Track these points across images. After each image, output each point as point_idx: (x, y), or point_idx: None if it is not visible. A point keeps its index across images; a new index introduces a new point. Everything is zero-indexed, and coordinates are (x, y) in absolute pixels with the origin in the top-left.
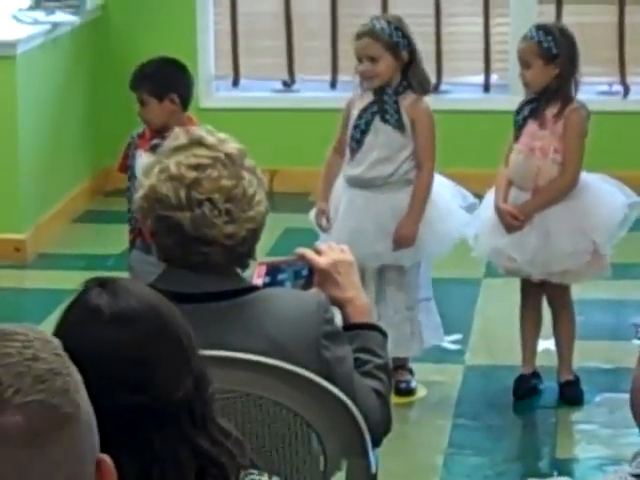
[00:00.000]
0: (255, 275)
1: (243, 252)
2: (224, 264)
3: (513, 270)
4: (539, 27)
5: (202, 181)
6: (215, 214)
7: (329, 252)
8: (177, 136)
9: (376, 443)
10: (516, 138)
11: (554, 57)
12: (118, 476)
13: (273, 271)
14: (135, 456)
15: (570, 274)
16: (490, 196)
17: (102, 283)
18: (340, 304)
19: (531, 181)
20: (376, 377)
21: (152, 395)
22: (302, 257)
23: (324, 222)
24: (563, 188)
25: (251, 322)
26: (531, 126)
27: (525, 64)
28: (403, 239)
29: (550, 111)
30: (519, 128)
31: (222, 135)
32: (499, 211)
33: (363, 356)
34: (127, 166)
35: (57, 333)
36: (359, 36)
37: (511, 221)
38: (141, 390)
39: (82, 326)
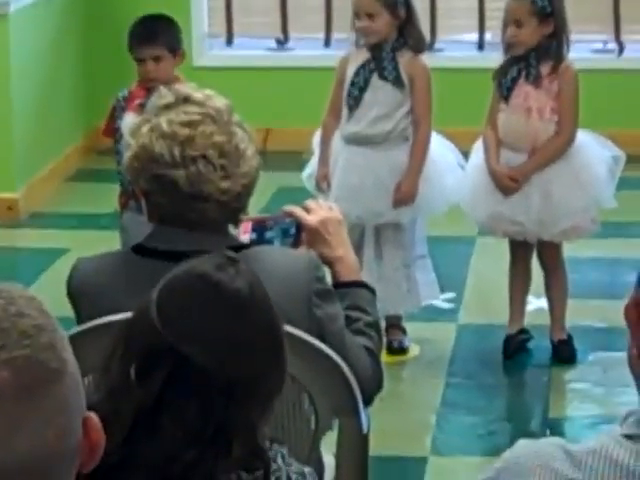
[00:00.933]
0: (241, 231)
1: (237, 208)
2: (218, 221)
3: (515, 233)
4: None
5: (195, 138)
6: (210, 170)
7: (318, 210)
8: (164, 94)
9: (368, 401)
10: (505, 99)
11: (548, 15)
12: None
13: (259, 228)
14: (204, 412)
15: (573, 231)
16: (475, 160)
17: (228, 260)
18: (329, 262)
19: (528, 142)
20: (367, 334)
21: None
22: (290, 214)
23: (325, 186)
24: (561, 147)
25: None
26: (524, 86)
27: (517, 23)
28: (404, 196)
29: (544, 70)
30: (508, 89)
31: (208, 91)
32: (495, 174)
33: (353, 314)
34: (113, 129)
35: (169, 297)
36: None
37: (510, 183)
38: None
39: (199, 299)
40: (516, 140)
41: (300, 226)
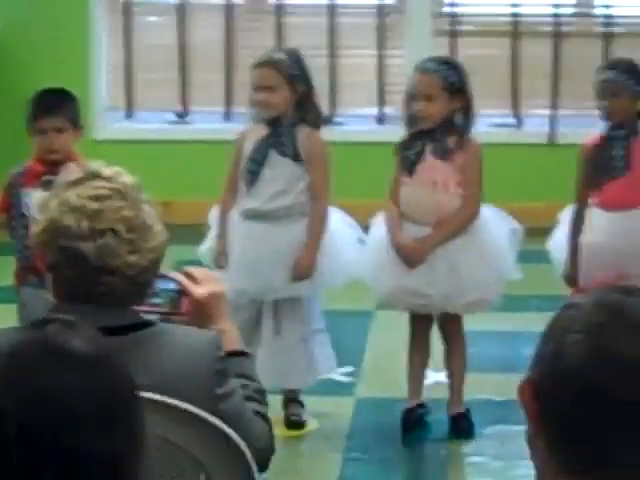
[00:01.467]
0: None
1: (144, 282)
2: (125, 295)
3: (419, 306)
4: (441, 60)
5: (104, 211)
6: (119, 244)
7: (204, 282)
8: (72, 170)
9: (264, 468)
10: (409, 172)
11: (458, 90)
12: None
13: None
14: None
15: (478, 304)
16: (377, 233)
17: (59, 321)
18: None
19: (434, 215)
20: (256, 400)
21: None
22: (174, 280)
23: (223, 261)
24: (467, 220)
25: (145, 357)
26: (430, 160)
27: (426, 97)
28: (302, 270)
29: (449, 144)
30: (412, 163)
31: (116, 168)
32: (400, 247)
33: (242, 381)
34: (9, 205)
35: (9, 363)
36: (259, 65)
37: (415, 256)
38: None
39: (39, 364)
40: (421, 213)
41: (182, 293)
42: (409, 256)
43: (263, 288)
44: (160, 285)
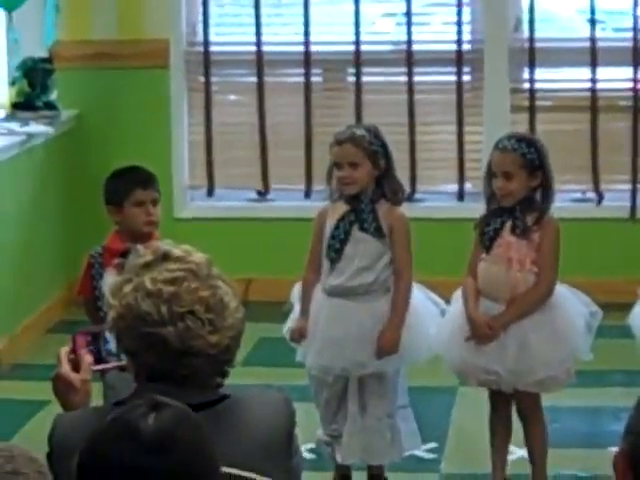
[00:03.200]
0: (77, 346)
1: (225, 360)
2: (207, 375)
3: (489, 382)
4: (519, 138)
5: (181, 294)
6: (199, 325)
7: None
8: (142, 253)
9: None
10: (487, 249)
11: (536, 168)
12: None
13: (96, 340)
14: None
15: (548, 382)
16: (454, 308)
17: (153, 404)
18: None
19: (507, 292)
20: None
21: None
22: None
23: (298, 338)
24: (541, 298)
25: (231, 428)
26: (507, 237)
27: (506, 175)
28: (387, 346)
29: (529, 222)
30: (490, 239)
31: (185, 246)
32: (473, 321)
33: None
34: (91, 287)
35: (90, 445)
36: (340, 142)
37: (487, 332)
38: None
39: (118, 445)
40: (495, 290)
41: None
42: (481, 331)
43: (349, 364)
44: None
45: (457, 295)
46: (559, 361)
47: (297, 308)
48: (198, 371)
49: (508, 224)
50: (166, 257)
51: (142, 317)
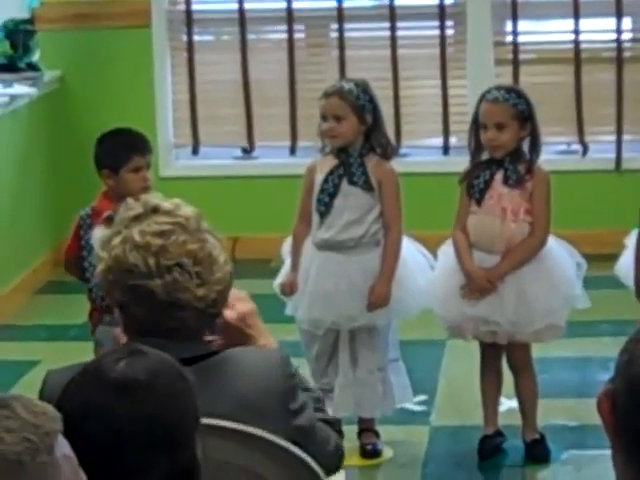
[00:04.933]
0: None
1: (213, 314)
2: (195, 328)
3: (486, 334)
4: (508, 89)
5: (169, 247)
6: (186, 278)
7: (233, 303)
8: (132, 206)
9: (337, 468)
10: (477, 202)
11: (526, 119)
12: None
13: None
14: None
15: (547, 331)
16: (444, 263)
17: (130, 351)
18: None
19: (502, 243)
20: (319, 409)
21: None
22: None
23: (289, 291)
24: (536, 247)
25: (219, 383)
26: (499, 188)
27: (498, 126)
28: (378, 299)
29: (520, 172)
30: (480, 191)
31: (175, 200)
32: (471, 275)
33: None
34: (79, 247)
35: (64, 390)
36: (327, 95)
37: (486, 284)
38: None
39: (86, 388)
40: (490, 242)
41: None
42: (480, 284)
43: (340, 318)
44: None
45: (444, 249)
46: (557, 310)
47: (288, 263)
48: (185, 324)
49: (498, 175)
50: (155, 210)
51: (130, 269)
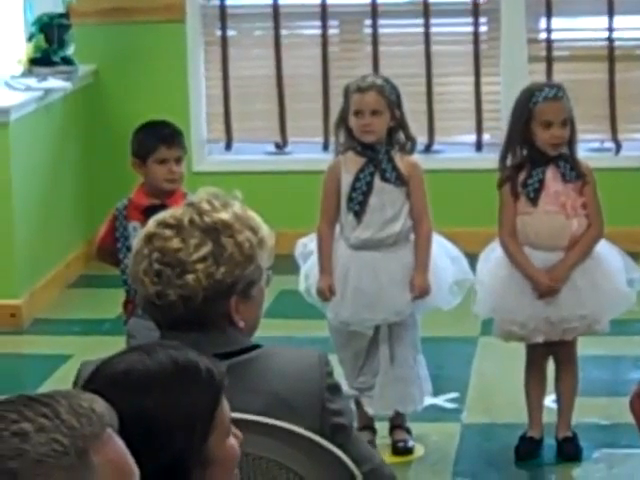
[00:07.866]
0: None
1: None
2: (217, 315)
3: (537, 334)
4: (560, 87)
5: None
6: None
7: None
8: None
9: None
10: (532, 202)
11: (572, 118)
12: None
13: None
14: None
15: (603, 327)
16: (496, 270)
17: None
18: None
19: (566, 239)
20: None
21: None
22: None
23: (330, 296)
24: (596, 239)
25: (254, 380)
26: (553, 185)
27: (564, 122)
28: (422, 291)
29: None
30: (535, 191)
31: (218, 202)
32: (536, 279)
33: None
34: (113, 239)
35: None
36: (363, 90)
37: (553, 285)
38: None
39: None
40: (553, 239)
41: None
42: (548, 287)
43: (389, 314)
44: None
45: (491, 256)
46: (621, 305)
47: (309, 265)
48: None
49: (549, 172)
50: (196, 209)
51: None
